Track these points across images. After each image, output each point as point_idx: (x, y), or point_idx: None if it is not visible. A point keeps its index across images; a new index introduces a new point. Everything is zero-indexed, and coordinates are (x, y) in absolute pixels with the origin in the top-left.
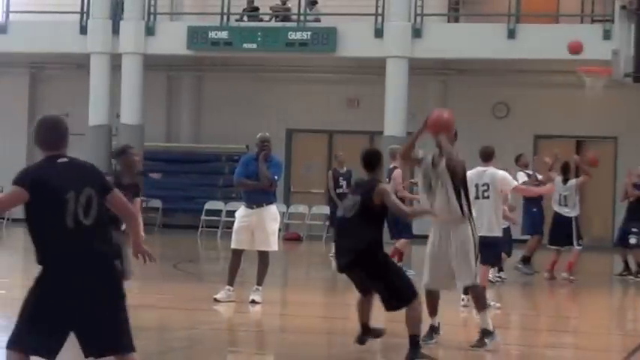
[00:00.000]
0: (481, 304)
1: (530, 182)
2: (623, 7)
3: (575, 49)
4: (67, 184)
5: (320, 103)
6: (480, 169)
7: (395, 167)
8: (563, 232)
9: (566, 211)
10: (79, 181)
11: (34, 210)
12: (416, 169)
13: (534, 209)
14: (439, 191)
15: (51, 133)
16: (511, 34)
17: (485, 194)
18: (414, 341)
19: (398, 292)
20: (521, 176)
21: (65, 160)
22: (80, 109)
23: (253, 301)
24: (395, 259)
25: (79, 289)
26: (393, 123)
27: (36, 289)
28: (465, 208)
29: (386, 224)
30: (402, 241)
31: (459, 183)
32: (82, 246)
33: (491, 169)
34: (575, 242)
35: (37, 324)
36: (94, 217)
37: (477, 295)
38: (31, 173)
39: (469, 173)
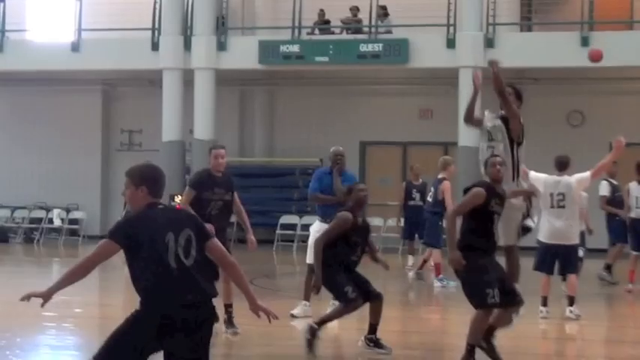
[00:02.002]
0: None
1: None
2: None
3: (595, 56)
4: (166, 227)
5: (393, 115)
6: (555, 177)
7: (444, 178)
8: None
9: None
10: (178, 224)
11: (133, 256)
12: None
13: (617, 217)
14: (497, 144)
15: (158, 183)
16: (584, 42)
17: (561, 203)
18: (468, 349)
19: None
20: (604, 186)
21: (162, 206)
22: (153, 125)
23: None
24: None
25: (175, 329)
26: (468, 133)
27: (132, 324)
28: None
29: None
30: (435, 251)
31: (515, 138)
32: (182, 286)
33: (566, 178)
34: None
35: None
36: (194, 257)
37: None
38: (125, 225)
39: (544, 180)
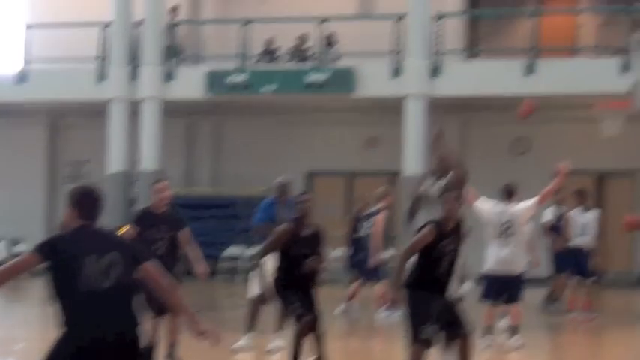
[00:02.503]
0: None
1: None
2: None
3: (525, 112)
4: (90, 248)
5: (339, 144)
6: (502, 206)
7: (382, 209)
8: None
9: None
10: (104, 246)
11: (54, 274)
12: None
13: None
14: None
15: (88, 206)
16: (529, 70)
17: (508, 232)
18: None
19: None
20: (548, 212)
21: (95, 229)
22: (100, 156)
23: (274, 348)
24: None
25: (94, 355)
26: (412, 163)
27: (53, 350)
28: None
29: None
30: (380, 283)
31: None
32: (99, 311)
33: (512, 206)
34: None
35: None
36: (114, 282)
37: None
38: (52, 240)
39: (490, 208)
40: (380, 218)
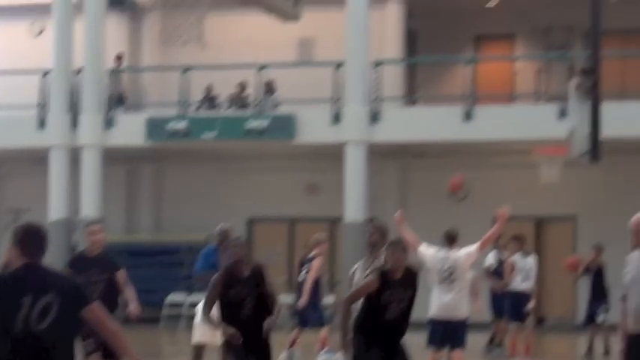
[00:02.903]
0: None
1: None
2: (578, 87)
3: (454, 187)
4: (28, 289)
5: (280, 191)
6: (444, 252)
7: (316, 256)
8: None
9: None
10: (43, 287)
11: None
12: None
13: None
14: None
15: (31, 243)
16: (467, 116)
17: (451, 277)
18: None
19: None
20: (490, 257)
21: (38, 267)
22: (40, 204)
23: None
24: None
25: None
26: (353, 209)
27: None
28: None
29: None
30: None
31: None
32: (34, 354)
33: (454, 252)
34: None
35: None
36: (49, 324)
37: None
38: None
39: (433, 254)
40: (315, 264)
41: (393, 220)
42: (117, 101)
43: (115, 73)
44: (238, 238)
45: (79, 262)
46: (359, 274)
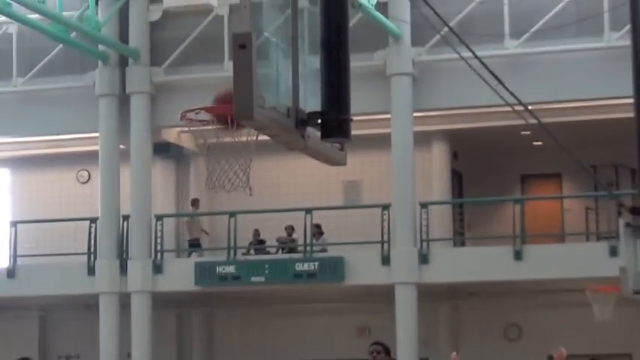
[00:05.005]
0: None
1: None
2: (627, 225)
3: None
4: None
5: (330, 334)
6: None
7: None
8: None
9: None
10: None
11: None
12: None
13: None
14: None
15: None
16: (517, 256)
17: None
18: None
19: None
20: None
21: None
22: (91, 349)
23: None
24: None
25: None
26: (405, 350)
27: None
28: None
29: None
30: None
31: None
32: None
33: None
34: None
35: None
36: None
37: None
38: None
39: None
40: None
41: None
42: (192, 246)
43: (192, 217)
44: None
45: None
46: None
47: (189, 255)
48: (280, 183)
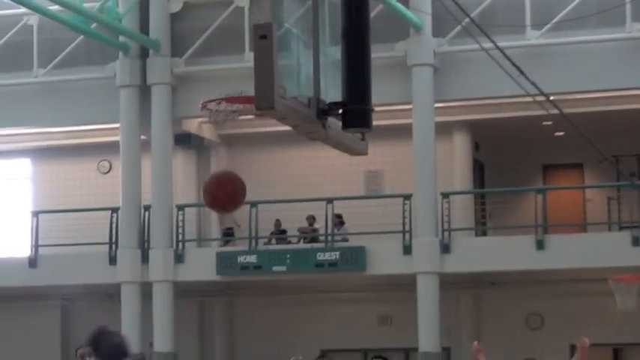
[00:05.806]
0: None
1: None
2: None
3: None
4: None
5: (352, 322)
6: None
7: None
8: None
9: None
10: None
11: None
12: None
13: None
14: None
15: (106, 349)
16: (540, 245)
17: None
18: None
19: None
20: None
21: None
22: None
23: None
24: None
25: None
26: (427, 339)
27: None
28: None
29: None
30: None
31: None
32: None
33: None
34: None
35: None
36: None
37: None
38: None
39: None
40: None
41: (471, 349)
42: (226, 235)
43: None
44: None
45: None
46: None
47: (225, 244)
48: (301, 173)
